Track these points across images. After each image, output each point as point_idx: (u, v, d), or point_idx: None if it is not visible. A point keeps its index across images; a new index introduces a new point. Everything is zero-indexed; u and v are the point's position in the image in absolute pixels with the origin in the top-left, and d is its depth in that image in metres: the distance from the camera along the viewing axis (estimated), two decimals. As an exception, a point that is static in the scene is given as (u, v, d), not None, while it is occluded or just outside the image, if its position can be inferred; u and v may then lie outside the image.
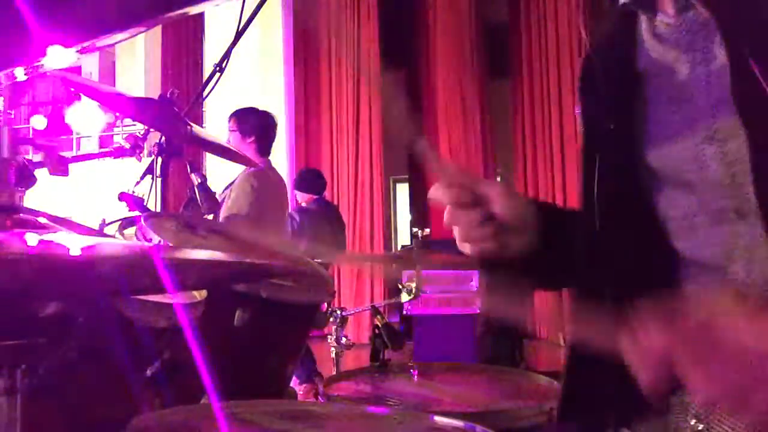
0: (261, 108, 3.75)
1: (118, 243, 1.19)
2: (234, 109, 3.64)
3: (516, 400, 1.46)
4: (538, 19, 7.60)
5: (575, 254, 0.90)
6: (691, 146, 0.77)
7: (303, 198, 4.94)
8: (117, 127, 8.68)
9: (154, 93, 2.07)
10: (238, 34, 2.02)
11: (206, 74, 2.20)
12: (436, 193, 0.87)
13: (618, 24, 0.88)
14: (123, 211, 1.93)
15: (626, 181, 0.85)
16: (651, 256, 0.84)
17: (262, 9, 2.00)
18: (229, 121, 3.57)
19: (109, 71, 9.58)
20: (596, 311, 0.67)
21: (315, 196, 4.92)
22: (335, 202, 6.57)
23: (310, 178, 5.14)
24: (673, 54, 0.80)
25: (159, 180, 2.01)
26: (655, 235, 0.83)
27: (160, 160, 2.01)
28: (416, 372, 1.63)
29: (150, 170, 2.04)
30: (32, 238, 0.70)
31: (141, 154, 2.00)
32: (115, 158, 2.04)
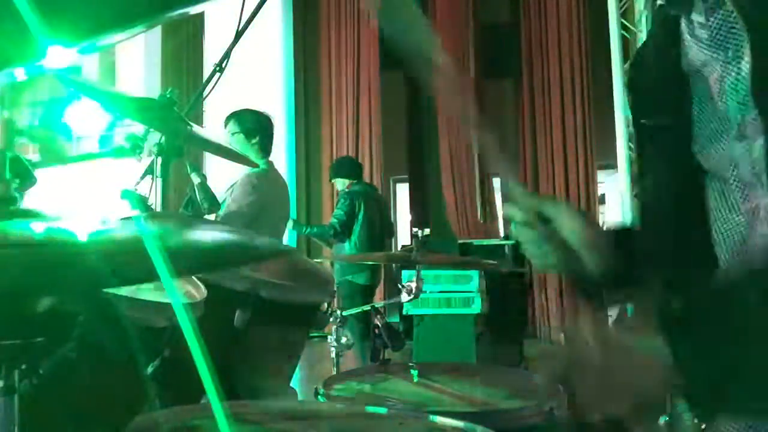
0: (261, 108, 3.73)
1: (113, 231, 1.19)
2: (233, 110, 3.61)
3: (516, 400, 1.45)
4: (539, 18, 7.60)
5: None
6: (726, 145, 0.78)
7: (344, 184, 5.07)
8: (117, 127, 8.67)
9: (154, 93, 2.06)
10: (238, 34, 2.02)
11: (206, 74, 2.19)
12: (506, 210, 1.00)
13: (663, 24, 0.89)
14: (123, 210, 1.93)
15: (676, 178, 0.88)
16: (691, 258, 0.86)
17: (261, 9, 2.00)
18: (227, 123, 3.51)
19: (109, 71, 9.57)
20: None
21: (355, 180, 5.10)
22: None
23: (348, 164, 5.36)
24: (707, 53, 0.80)
25: (159, 180, 2.01)
26: (699, 234, 0.85)
27: (160, 160, 2.00)
28: (416, 372, 1.62)
29: (150, 170, 2.04)
30: (35, 227, 0.70)
31: (141, 154, 2.00)
32: (115, 158, 2.04)
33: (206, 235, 0.70)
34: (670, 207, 0.89)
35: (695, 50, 0.82)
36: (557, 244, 0.95)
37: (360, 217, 4.81)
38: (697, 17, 0.81)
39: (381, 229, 5.05)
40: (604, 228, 1.02)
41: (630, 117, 1.01)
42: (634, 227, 1.06)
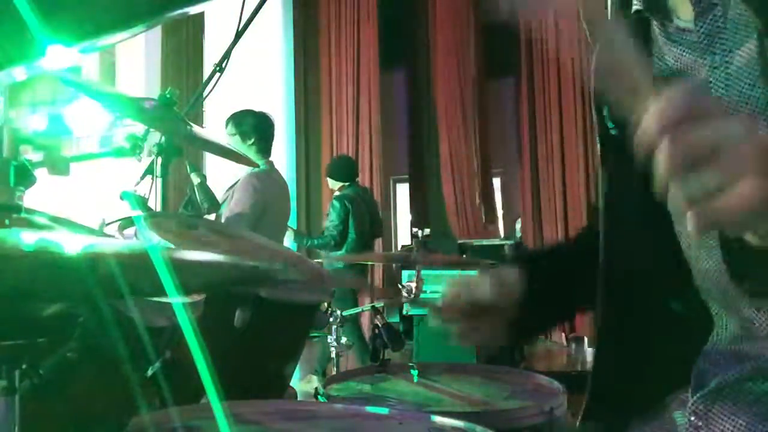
0: (261, 108, 3.74)
1: (118, 243, 1.19)
2: (233, 110, 3.62)
3: (516, 400, 1.45)
4: (538, 18, 7.59)
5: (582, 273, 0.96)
6: None
7: (335, 186, 5.07)
8: (117, 127, 8.67)
9: (154, 93, 2.06)
10: (238, 34, 2.02)
11: (206, 74, 2.20)
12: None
13: (632, 29, 0.85)
14: (123, 210, 1.93)
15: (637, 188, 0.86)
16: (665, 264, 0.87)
17: (262, 9, 2.00)
18: (227, 125, 3.54)
19: (109, 71, 9.57)
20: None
21: (346, 183, 5.05)
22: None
23: (340, 167, 5.26)
24: (690, 58, 0.78)
25: (159, 180, 2.01)
26: (665, 245, 0.85)
27: (160, 160, 2.01)
28: (416, 372, 1.63)
29: (150, 170, 2.04)
30: (31, 238, 0.70)
31: (141, 154, 2.00)
32: (115, 158, 2.04)
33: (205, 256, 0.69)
34: (638, 216, 0.88)
35: (673, 55, 0.80)
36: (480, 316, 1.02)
37: (350, 220, 4.85)
38: (681, 22, 0.79)
39: (371, 230, 5.09)
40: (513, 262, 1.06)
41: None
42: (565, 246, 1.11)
